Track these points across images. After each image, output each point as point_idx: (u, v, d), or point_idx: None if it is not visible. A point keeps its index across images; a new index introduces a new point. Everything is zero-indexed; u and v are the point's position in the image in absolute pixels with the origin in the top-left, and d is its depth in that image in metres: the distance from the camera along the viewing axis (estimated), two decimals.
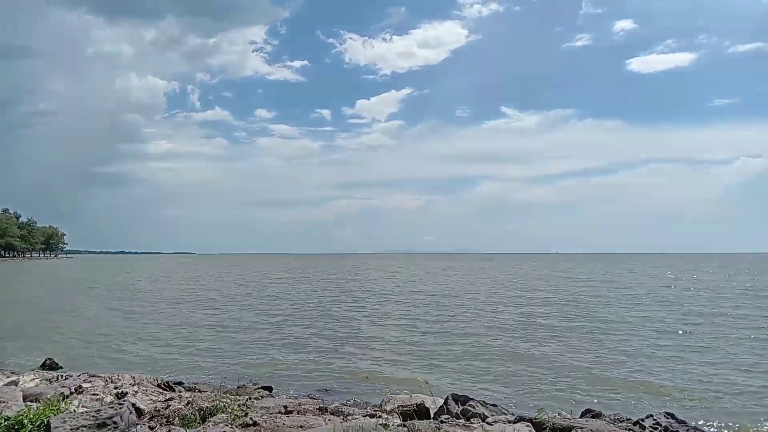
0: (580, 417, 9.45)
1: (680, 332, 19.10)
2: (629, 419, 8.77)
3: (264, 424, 6.93)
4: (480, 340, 17.66)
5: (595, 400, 10.86)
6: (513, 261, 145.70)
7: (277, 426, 6.93)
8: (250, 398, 9.04)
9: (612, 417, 9.29)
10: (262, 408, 8.04)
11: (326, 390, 12.04)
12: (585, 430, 6.33)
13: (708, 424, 9.34)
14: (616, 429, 7.08)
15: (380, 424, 6.96)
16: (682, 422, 8.09)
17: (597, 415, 9.53)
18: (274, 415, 7.51)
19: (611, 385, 12.09)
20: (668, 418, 8.13)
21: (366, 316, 24.33)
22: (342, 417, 7.97)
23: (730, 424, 9.39)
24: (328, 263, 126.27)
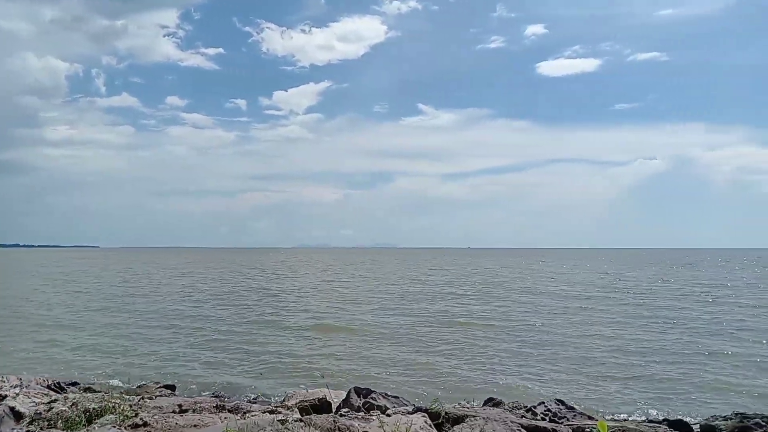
0: (483, 405, 9.77)
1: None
2: (525, 406, 9.16)
3: (155, 424, 6.62)
4: (391, 332, 17.87)
5: (496, 389, 11.22)
6: (427, 254, 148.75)
7: (169, 426, 6.65)
8: (143, 398, 8.62)
9: (510, 405, 9.66)
10: (155, 408, 7.69)
11: (233, 387, 11.74)
12: (478, 418, 6.48)
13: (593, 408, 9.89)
14: (508, 416, 7.32)
15: (277, 420, 6.83)
16: (570, 408, 8.51)
17: (498, 404, 9.87)
18: (167, 414, 7.19)
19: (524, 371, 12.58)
20: (558, 405, 8.54)
21: (281, 310, 24.01)
22: (240, 414, 7.77)
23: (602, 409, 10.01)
24: (242, 257, 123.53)
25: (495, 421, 6.38)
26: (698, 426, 6.55)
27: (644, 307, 24.98)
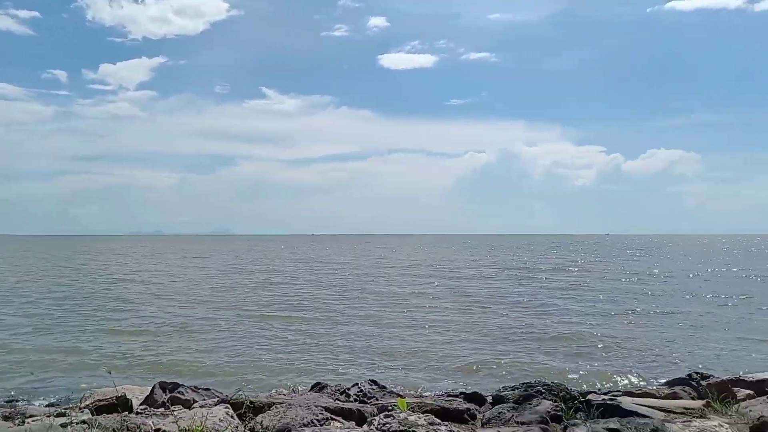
0: (310, 390, 9.69)
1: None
2: (343, 389, 9.24)
3: None
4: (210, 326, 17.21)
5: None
6: (273, 243, 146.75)
7: None
8: None
9: (333, 388, 9.68)
10: None
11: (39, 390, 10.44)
12: (284, 405, 6.34)
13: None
14: (320, 400, 7.28)
15: (59, 424, 6.12)
16: (383, 387, 8.73)
17: (322, 388, 9.84)
18: None
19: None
20: (371, 385, 8.71)
21: (109, 302, 22.07)
22: (17, 421, 6.87)
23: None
24: (58, 246, 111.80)
25: (300, 407, 6.29)
26: (491, 397, 7.00)
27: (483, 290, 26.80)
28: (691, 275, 36.88)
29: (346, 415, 6.38)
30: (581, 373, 10.68)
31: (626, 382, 9.89)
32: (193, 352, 13.54)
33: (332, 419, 6.08)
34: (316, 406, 6.21)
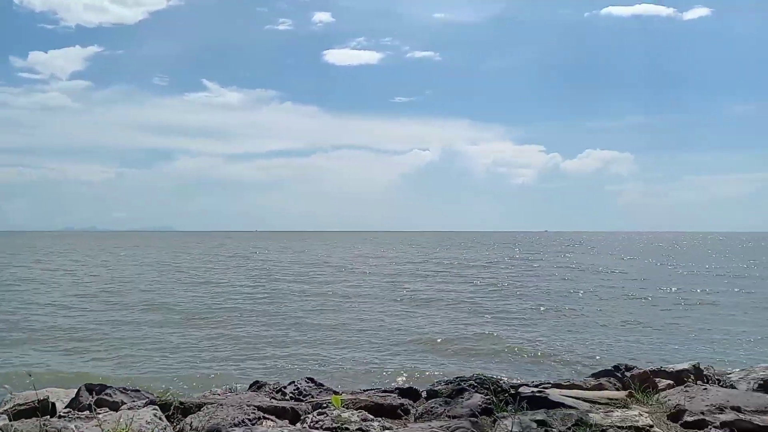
0: (248, 389, 9.50)
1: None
2: (281, 387, 9.12)
3: None
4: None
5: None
6: (213, 239, 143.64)
7: None
8: None
9: (272, 386, 9.54)
10: None
11: None
12: (215, 405, 6.21)
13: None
14: (254, 399, 7.16)
15: None
16: (320, 385, 8.66)
17: (261, 386, 9.68)
18: None
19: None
20: (308, 383, 8.63)
21: (31, 304, 21.02)
22: None
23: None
24: None
25: (232, 406, 6.17)
26: (426, 392, 7.08)
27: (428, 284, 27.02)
28: (618, 270, 38.52)
29: (280, 413, 6.30)
30: (514, 365, 11.00)
31: (556, 374, 10.23)
32: (118, 352, 13.15)
33: (265, 418, 5.99)
34: (248, 406, 6.11)
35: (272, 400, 8.02)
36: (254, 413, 5.92)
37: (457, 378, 7.04)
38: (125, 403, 8.02)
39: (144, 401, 7.60)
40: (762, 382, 7.10)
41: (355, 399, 6.52)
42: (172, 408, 6.03)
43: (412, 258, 54.16)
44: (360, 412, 5.76)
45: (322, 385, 8.97)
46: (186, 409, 6.11)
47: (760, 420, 5.45)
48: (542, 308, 19.88)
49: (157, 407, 6.19)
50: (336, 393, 8.33)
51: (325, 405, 6.40)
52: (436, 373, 10.95)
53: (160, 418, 5.87)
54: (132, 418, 5.48)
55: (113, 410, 7.19)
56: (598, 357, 12.26)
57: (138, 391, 8.76)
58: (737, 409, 5.71)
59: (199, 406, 6.32)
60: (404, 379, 10.51)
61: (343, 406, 6.10)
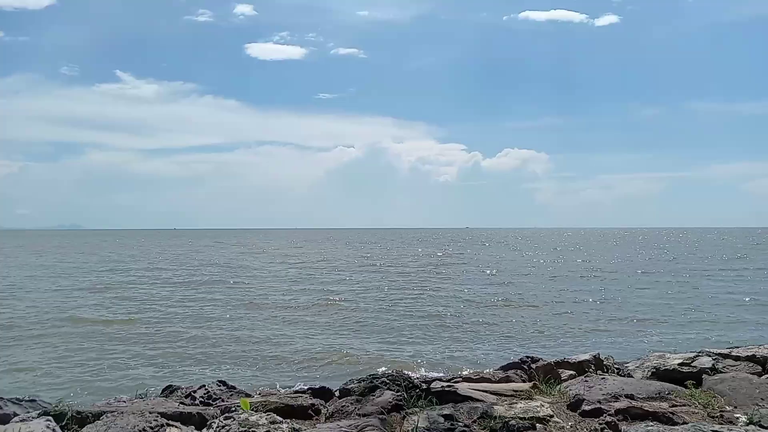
0: (161, 394, 9.09)
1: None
2: (191, 392, 8.80)
3: None
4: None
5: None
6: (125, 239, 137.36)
7: None
8: None
9: (184, 390, 9.18)
10: None
11: None
12: (115, 413, 5.91)
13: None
14: (156, 406, 6.87)
15: None
16: (231, 387, 8.45)
17: (173, 391, 9.29)
18: None
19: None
20: (219, 386, 8.40)
21: None
22: None
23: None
24: None
25: (133, 414, 5.89)
26: (338, 391, 7.05)
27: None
28: (529, 266, 40.23)
29: (185, 419, 6.09)
30: (431, 360, 11.20)
31: (468, 368, 10.50)
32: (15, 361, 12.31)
33: (168, 425, 5.76)
34: (150, 413, 5.85)
35: (180, 405, 7.73)
36: (156, 420, 5.68)
37: (370, 376, 7.06)
38: (18, 415, 7.50)
39: (38, 411, 7.15)
40: (654, 370, 7.59)
41: (265, 401, 6.40)
42: (66, 418, 5.67)
43: (342, 254, 53.98)
44: (269, 414, 5.65)
45: (234, 388, 8.74)
46: (83, 419, 5.78)
47: (649, 406, 5.81)
48: (459, 300, 20.45)
49: (50, 418, 5.80)
50: (248, 395, 8.16)
51: (233, 408, 6.23)
52: (358, 368, 10.97)
53: (53, 430, 5.52)
54: (20, 430, 5.11)
55: (3, 423, 6.71)
56: (513, 346, 12.74)
57: (34, 401, 8.19)
58: (630, 397, 6.07)
59: (97, 416, 5.98)
60: (326, 375, 10.46)
61: (253, 409, 5.96)
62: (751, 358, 8.64)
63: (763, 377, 7.25)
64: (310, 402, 6.38)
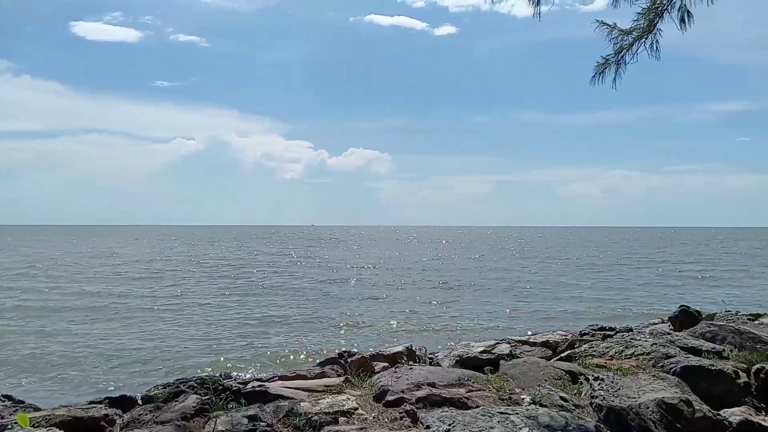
0: None
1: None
2: None
3: None
4: None
5: None
6: None
7: None
8: None
9: None
10: None
11: None
12: None
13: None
14: None
15: None
16: (19, 402, 7.57)
17: None
18: None
19: None
20: (3, 401, 7.48)
21: None
22: None
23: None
24: None
25: None
26: (141, 398, 6.61)
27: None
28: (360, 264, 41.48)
29: None
30: (261, 360, 10.97)
31: (284, 366, 10.46)
32: None
33: None
34: None
35: None
36: None
37: (177, 380, 6.69)
38: None
39: None
40: (458, 358, 8.13)
41: (49, 415, 5.77)
42: None
43: (179, 253, 51.04)
44: (50, 429, 5.10)
45: (22, 402, 7.83)
46: None
47: (448, 392, 6.18)
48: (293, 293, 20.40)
49: None
50: (38, 409, 7.33)
51: (10, 426, 5.54)
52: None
53: None
54: None
55: None
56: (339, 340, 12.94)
57: None
58: (432, 385, 6.41)
59: None
60: (143, 382, 9.73)
61: (33, 425, 5.35)
62: (545, 344, 9.66)
63: (550, 361, 8.10)
64: (104, 413, 5.88)
